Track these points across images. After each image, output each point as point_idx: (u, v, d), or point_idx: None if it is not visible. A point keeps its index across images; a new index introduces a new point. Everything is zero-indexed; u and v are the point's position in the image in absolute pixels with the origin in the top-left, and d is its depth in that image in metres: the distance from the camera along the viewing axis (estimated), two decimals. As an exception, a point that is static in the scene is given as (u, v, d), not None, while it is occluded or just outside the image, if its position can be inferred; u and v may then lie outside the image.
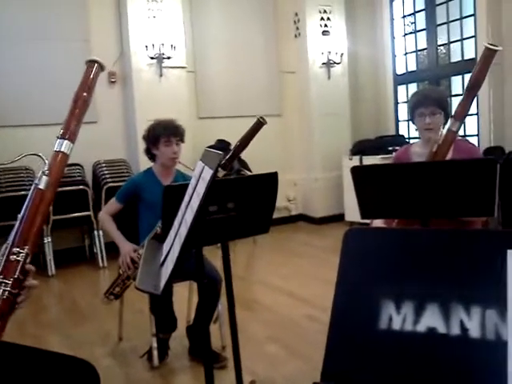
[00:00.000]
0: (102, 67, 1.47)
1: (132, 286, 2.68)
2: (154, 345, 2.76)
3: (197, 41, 6.22)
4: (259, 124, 2.51)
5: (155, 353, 2.76)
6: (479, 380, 1.07)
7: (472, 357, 1.11)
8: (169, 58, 5.59)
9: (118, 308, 3.11)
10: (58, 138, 1.36)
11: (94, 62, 1.46)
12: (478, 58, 1.87)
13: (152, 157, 2.89)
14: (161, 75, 5.65)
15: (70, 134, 1.36)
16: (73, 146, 1.37)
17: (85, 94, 1.42)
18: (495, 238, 1.25)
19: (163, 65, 5.62)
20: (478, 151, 2.49)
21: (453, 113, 1.98)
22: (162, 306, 2.71)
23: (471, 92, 1.88)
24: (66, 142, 1.35)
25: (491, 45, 1.78)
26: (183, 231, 1.42)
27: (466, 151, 2.24)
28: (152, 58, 5.55)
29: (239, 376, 1.98)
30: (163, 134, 2.76)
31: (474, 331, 1.12)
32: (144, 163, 5.10)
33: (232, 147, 2.63)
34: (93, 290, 4.32)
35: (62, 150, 1.35)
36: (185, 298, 3.17)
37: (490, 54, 1.79)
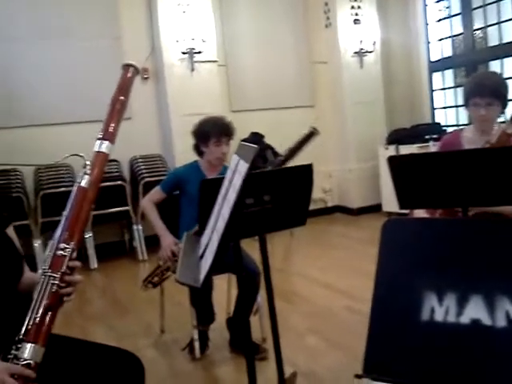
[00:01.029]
0: (137, 70, 1.50)
1: (171, 278, 2.73)
2: (195, 337, 2.80)
3: (227, 34, 6.23)
4: (311, 134, 2.43)
5: (196, 345, 2.80)
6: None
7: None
8: (200, 52, 5.62)
9: (159, 300, 3.17)
10: (98, 139, 1.39)
11: (130, 65, 1.49)
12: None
13: (200, 153, 2.88)
14: (192, 69, 5.69)
15: (109, 135, 1.39)
16: (112, 146, 1.40)
17: (122, 97, 1.45)
18: (541, 226, 1.23)
19: (194, 59, 5.65)
20: None
21: (510, 115, 1.89)
22: (201, 298, 2.74)
23: None
24: (106, 143, 1.39)
25: None
26: (221, 224, 1.44)
27: None
28: (183, 52, 5.59)
29: (280, 367, 1.99)
30: (214, 134, 2.74)
31: (520, 322, 1.10)
32: (179, 158, 5.21)
33: (279, 156, 2.55)
34: (133, 283, 4.40)
35: (103, 150, 1.39)
36: (224, 291, 3.20)
37: None
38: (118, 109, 1.44)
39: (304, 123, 6.30)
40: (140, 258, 5.16)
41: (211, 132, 2.74)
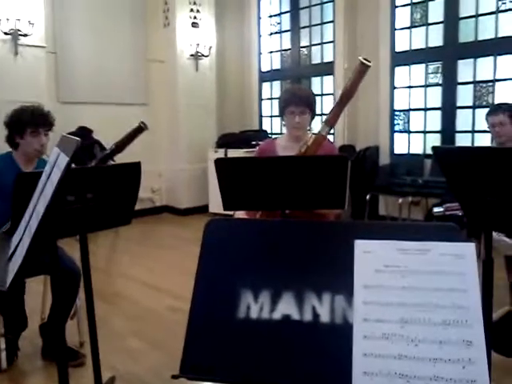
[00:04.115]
0: None
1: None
2: (2, 346, 2.55)
3: (58, 20, 5.81)
4: (139, 129, 2.38)
5: (3, 355, 2.55)
6: (329, 361, 1.15)
7: (322, 340, 1.19)
8: (26, 35, 5.17)
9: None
10: None
11: None
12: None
13: (14, 145, 2.60)
14: (16, 53, 5.20)
15: None
16: None
17: None
18: (344, 228, 1.36)
19: (19, 42, 5.18)
20: (336, 150, 2.65)
21: (324, 119, 2.07)
22: (11, 304, 2.50)
23: (343, 102, 1.98)
24: None
25: (365, 60, 1.85)
26: (34, 222, 1.33)
27: (328, 150, 2.38)
28: (6, 33, 5.08)
29: (98, 372, 1.91)
30: (30, 124, 2.51)
31: (325, 316, 1.21)
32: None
33: (107, 149, 2.47)
34: None
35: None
36: (39, 294, 2.97)
37: (363, 69, 1.88)
38: None
39: (136, 120, 6.19)
40: None
41: (28, 122, 2.51)
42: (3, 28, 5.06)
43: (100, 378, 1.93)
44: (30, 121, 2.52)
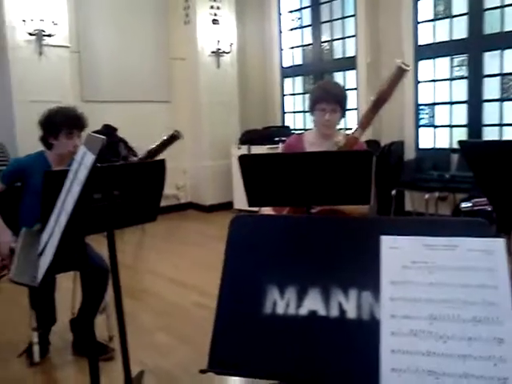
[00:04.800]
0: None
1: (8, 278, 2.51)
2: (35, 340, 2.61)
3: (81, 20, 5.89)
4: (173, 137, 2.39)
5: (36, 348, 2.60)
6: (356, 357, 1.15)
7: (349, 336, 1.19)
8: (50, 35, 5.25)
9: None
10: None
11: None
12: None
13: (48, 146, 2.65)
14: (41, 53, 5.29)
15: None
16: None
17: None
18: (370, 224, 1.35)
19: (43, 42, 5.26)
20: (364, 146, 2.60)
21: (358, 122, 2.04)
22: (42, 299, 2.56)
23: (378, 106, 1.93)
24: None
25: (403, 64, 1.81)
26: (63, 219, 1.36)
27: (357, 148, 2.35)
28: (31, 34, 5.17)
29: (127, 366, 1.95)
30: (65, 126, 2.55)
31: (351, 312, 1.21)
32: (23, 147, 4.80)
33: (139, 155, 2.49)
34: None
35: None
36: (68, 290, 3.03)
37: (400, 74, 1.84)
38: None
39: (160, 118, 6.28)
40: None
41: (62, 124, 2.55)
42: (28, 29, 5.14)
43: (129, 372, 1.96)
44: (64, 123, 2.55)
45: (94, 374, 1.60)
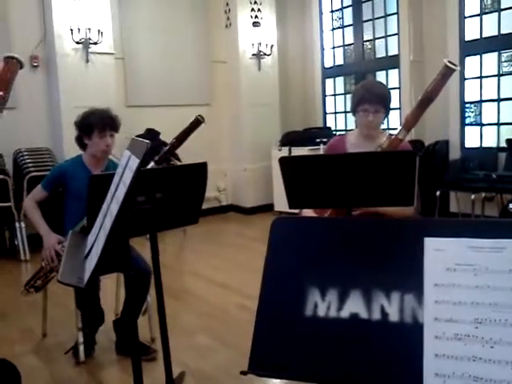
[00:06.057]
0: (20, 64, 1.38)
1: (55, 280, 2.59)
2: (80, 340, 2.68)
3: (125, 27, 6.04)
4: (197, 122, 2.45)
5: (81, 348, 2.68)
6: (399, 361, 1.13)
7: (392, 340, 1.16)
8: (96, 43, 5.40)
9: (42, 302, 2.99)
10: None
11: (12, 58, 1.37)
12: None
13: (83, 145, 2.75)
14: (87, 61, 5.46)
15: None
16: None
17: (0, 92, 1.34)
18: (413, 226, 1.32)
19: (90, 50, 5.43)
20: (409, 147, 2.55)
21: (402, 122, 2.00)
22: (87, 299, 2.63)
23: (424, 106, 1.90)
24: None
25: (451, 63, 1.78)
26: (108, 222, 1.39)
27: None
28: (78, 42, 5.34)
29: (168, 367, 1.97)
30: (98, 125, 2.63)
31: (394, 315, 1.18)
32: (70, 152, 4.94)
33: (168, 144, 2.56)
34: (14, 284, 4.11)
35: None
36: (112, 291, 3.10)
37: (448, 73, 1.80)
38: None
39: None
40: (22, 258, 4.83)
41: (95, 123, 2.64)
42: (75, 38, 5.31)
43: (171, 373, 1.99)
44: (97, 122, 2.64)
45: (137, 374, 1.63)
